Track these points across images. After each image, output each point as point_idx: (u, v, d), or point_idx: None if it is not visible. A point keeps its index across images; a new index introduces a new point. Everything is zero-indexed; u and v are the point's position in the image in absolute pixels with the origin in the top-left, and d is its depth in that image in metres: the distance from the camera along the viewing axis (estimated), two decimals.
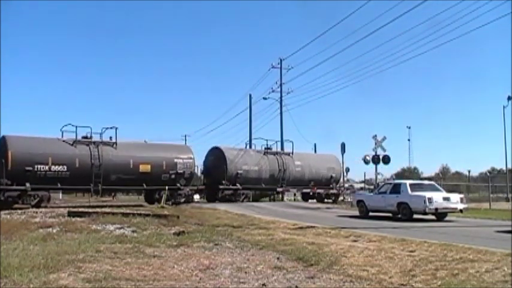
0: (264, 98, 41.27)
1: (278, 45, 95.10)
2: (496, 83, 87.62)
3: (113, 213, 15.49)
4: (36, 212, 17.59)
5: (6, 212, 17.39)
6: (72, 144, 22.47)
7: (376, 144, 27.57)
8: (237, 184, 28.75)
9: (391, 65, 51.81)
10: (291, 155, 31.91)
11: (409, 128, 64.08)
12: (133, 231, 11.81)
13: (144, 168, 23.87)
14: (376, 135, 27.86)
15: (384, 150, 27.65)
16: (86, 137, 23.24)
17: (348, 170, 38.71)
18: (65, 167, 21.67)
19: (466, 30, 34.63)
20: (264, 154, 30.88)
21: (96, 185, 22.63)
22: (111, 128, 23.69)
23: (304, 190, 32.57)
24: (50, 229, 12.13)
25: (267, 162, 30.53)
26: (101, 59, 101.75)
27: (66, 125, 22.75)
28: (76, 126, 22.74)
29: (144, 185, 24.11)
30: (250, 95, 42.69)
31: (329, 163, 33.75)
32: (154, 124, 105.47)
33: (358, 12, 52.34)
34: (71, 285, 5.84)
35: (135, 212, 16.69)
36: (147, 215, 15.19)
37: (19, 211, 18.00)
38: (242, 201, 28.43)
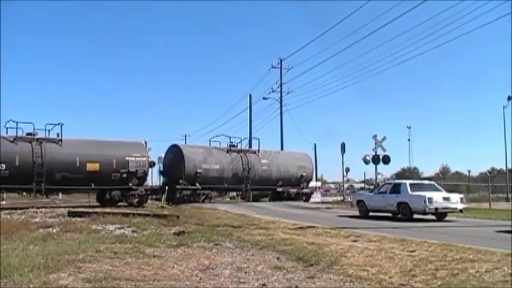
0: (264, 98, 41.37)
1: (278, 45, 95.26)
2: (496, 83, 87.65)
3: (113, 213, 15.50)
4: (36, 212, 17.62)
5: (6, 212, 17.40)
6: (12, 141, 21.16)
7: (376, 144, 27.62)
8: (197, 184, 27.19)
9: (391, 65, 51.79)
10: (257, 153, 30.43)
11: (409, 128, 64.12)
12: (133, 231, 11.81)
13: (92, 166, 22.53)
14: (376, 135, 27.93)
15: (384, 150, 27.73)
16: (29, 134, 21.91)
17: (348, 170, 38.79)
18: (3, 165, 20.39)
19: (466, 30, 34.80)
20: (227, 152, 29.22)
21: (39, 185, 21.37)
22: (57, 124, 22.39)
23: (270, 190, 31.16)
24: (50, 229, 12.13)
25: (230, 160, 28.91)
26: (101, 60, 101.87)
27: (8, 121, 21.53)
28: (17, 122, 21.47)
29: (92, 184, 22.59)
30: (250, 95, 42.77)
31: (299, 161, 32.21)
32: (154, 124, 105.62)
33: (358, 12, 52.49)
34: (71, 285, 5.84)
35: (135, 212, 16.72)
36: (147, 215, 15.22)
37: (19, 211, 18.01)
38: (203, 201, 27.04)
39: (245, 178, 29.09)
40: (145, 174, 24.96)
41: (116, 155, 23.61)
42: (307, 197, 32.00)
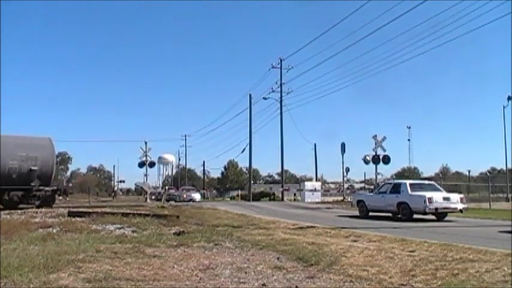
0: (264, 98, 41.40)
1: (278, 45, 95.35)
2: (496, 83, 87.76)
3: (113, 213, 15.51)
4: (36, 212, 17.62)
5: (6, 212, 17.39)
6: None
7: (376, 144, 27.68)
8: None
9: (391, 65, 51.50)
10: None
11: (409, 128, 64.25)
12: (133, 231, 11.80)
13: None
14: (376, 135, 28.00)
15: (384, 150, 27.79)
16: None
17: (348, 170, 38.87)
18: None
19: (466, 30, 34.57)
20: None
21: None
22: None
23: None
24: (50, 229, 12.12)
25: None
26: (103, 60, 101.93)
27: None
28: None
29: None
30: (250, 95, 42.77)
31: (27, 150, 22.08)
32: (154, 124, 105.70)
33: (358, 12, 52.09)
34: (71, 285, 5.83)
35: (135, 212, 16.72)
36: (147, 215, 15.22)
37: (19, 211, 18.01)
38: None
39: None
40: None
41: None
42: (46, 201, 22.14)
